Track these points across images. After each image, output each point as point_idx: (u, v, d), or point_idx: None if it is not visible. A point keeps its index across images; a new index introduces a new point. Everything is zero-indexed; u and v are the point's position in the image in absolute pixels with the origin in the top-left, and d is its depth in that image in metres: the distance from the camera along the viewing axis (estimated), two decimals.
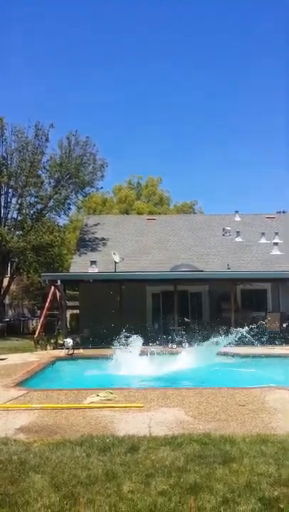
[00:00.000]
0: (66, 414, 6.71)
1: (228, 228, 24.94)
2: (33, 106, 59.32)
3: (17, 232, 25.85)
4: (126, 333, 12.48)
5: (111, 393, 7.88)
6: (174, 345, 16.22)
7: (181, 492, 3.90)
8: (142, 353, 12.07)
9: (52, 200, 27.08)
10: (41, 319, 21.10)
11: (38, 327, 20.94)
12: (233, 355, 14.00)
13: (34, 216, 26.96)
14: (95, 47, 66.74)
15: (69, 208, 28.89)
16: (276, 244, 22.78)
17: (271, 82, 66.19)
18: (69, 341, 15.36)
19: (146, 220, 28.00)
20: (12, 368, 11.95)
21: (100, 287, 19.37)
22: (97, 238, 25.29)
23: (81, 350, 15.76)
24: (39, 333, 19.94)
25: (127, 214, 38.10)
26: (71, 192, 27.79)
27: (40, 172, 26.78)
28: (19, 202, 26.26)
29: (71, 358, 14.87)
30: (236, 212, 27.33)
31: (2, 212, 26.05)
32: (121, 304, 18.18)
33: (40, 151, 26.49)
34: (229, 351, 13.88)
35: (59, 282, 19.14)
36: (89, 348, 16.17)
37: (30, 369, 11.60)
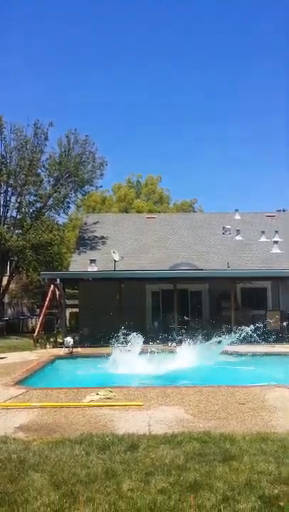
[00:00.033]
0: (66, 413, 6.70)
1: (228, 227, 24.91)
2: (33, 106, 59.29)
3: (16, 231, 25.77)
4: (126, 332, 12.47)
5: (111, 391, 7.87)
6: (174, 344, 16.19)
7: (181, 490, 3.89)
8: (142, 352, 12.07)
9: (51, 199, 27.01)
10: (41, 318, 21.10)
11: (38, 326, 20.93)
12: (233, 354, 13.99)
13: (33, 215, 26.89)
14: (95, 47, 66.80)
15: (68, 207, 28.85)
16: (276, 242, 22.77)
17: (271, 82, 66.19)
18: (69, 340, 15.37)
19: (145, 219, 27.98)
20: (11, 366, 11.96)
21: (99, 286, 19.34)
22: (96, 237, 25.28)
23: (79, 349, 15.75)
24: (38, 331, 19.94)
25: (127, 212, 38.02)
26: (70, 190, 27.73)
27: (39, 170, 26.71)
28: (18, 200, 26.21)
29: (71, 356, 14.88)
30: (236, 210, 27.24)
31: (1, 210, 25.98)
32: (120, 303, 18.17)
33: (40, 149, 26.39)
34: (229, 349, 13.87)
35: (58, 281, 19.12)
36: (88, 347, 16.19)
37: (30, 368, 11.61)
